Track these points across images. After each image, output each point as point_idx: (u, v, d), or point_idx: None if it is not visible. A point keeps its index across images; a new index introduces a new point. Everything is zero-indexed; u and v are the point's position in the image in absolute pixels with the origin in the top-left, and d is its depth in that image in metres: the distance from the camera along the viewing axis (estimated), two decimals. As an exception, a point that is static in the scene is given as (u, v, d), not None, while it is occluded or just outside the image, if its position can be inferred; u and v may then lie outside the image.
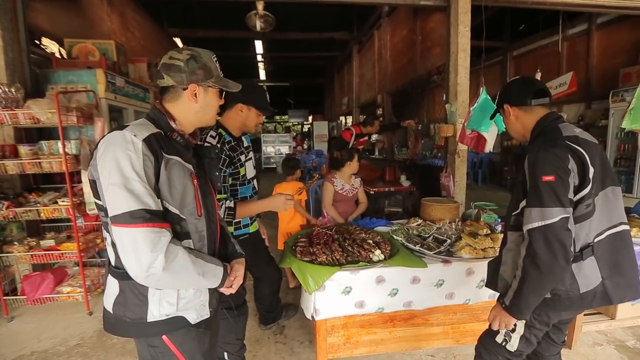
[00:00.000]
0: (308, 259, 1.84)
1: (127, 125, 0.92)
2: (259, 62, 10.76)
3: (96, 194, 0.91)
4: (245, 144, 1.83)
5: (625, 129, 2.73)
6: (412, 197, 4.36)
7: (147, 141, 0.88)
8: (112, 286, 0.96)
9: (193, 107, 1.02)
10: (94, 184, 0.91)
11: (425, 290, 1.83)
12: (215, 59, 1.05)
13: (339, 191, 2.81)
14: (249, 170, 1.84)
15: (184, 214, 0.96)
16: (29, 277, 2.66)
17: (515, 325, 1.24)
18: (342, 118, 11.21)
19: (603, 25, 5.91)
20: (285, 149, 14.18)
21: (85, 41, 3.44)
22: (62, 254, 2.60)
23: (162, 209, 0.90)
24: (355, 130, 4.18)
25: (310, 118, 14.61)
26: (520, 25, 7.51)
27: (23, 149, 2.61)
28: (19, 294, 2.75)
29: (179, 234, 0.95)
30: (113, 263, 0.96)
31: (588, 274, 1.16)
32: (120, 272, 0.92)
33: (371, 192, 4.13)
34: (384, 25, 6.07)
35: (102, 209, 0.89)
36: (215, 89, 1.04)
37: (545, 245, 1.06)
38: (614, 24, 5.69)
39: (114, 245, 0.90)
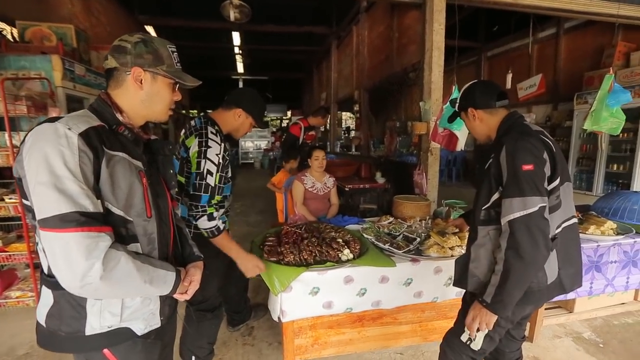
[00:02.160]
0: (275, 258, 1.78)
1: (60, 117, 0.81)
2: (237, 54, 10.47)
3: (23, 193, 0.81)
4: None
5: (586, 130, 2.85)
6: (387, 194, 4.39)
7: (84, 135, 0.78)
8: (46, 296, 0.87)
9: (138, 95, 0.92)
10: (20, 183, 0.81)
11: (394, 289, 1.82)
12: (173, 49, 0.96)
13: (310, 189, 2.76)
14: (230, 169, 1.77)
15: (131, 216, 0.88)
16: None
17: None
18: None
19: (570, 30, 6.16)
20: (264, 144, 14.00)
21: (40, 24, 3.17)
22: (10, 255, 2.40)
23: (102, 210, 0.81)
24: (303, 123, 4.03)
25: (289, 113, 14.45)
26: (495, 26, 7.71)
27: None
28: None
29: (125, 238, 0.87)
30: (45, 271, 0.86)
31: (552, 265, 1.20)
32: (53, 282, 0.82)
33: (346, 188, 4.11)
34: (362, 21, 6.04)
35: (30, 210, 0.80)
36: (166, 79, 0.94)
37: (528, 235, 1.06)
38: (581, 29, 5.94)
39: (45, 251, 0.81)
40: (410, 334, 2.02)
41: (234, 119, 1.67)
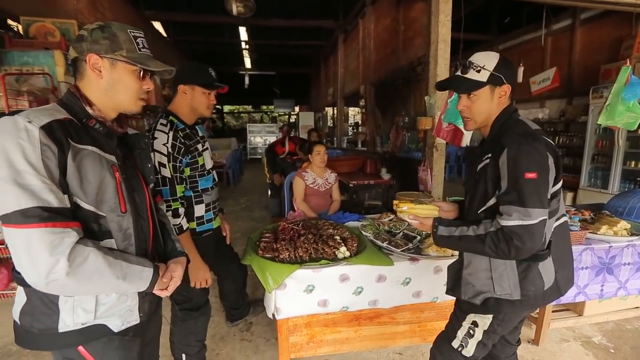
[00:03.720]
0: (270, 255, 1.75)
1: (22, 110, 0.79)
2: (244, 49, 10.43)
3: None
4: (200, 134, 1.71)
5: (601, 125, 2.72)
6: (393, 190, 4.31)
7: (46, 128, 0.76)
8: (20, 293, 0.86)
9: (100, 85, 0.89)
10: None
11: (391, 289, 1.77)
12: (135, 34, 0.91)
13: (311, 185, 2.72)
14: (207, 161, 1.72)
15: (103, 211, 0.86)
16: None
17: (473, 331, 1.19)
18: (327, 109, 11.04)
19: (586, 21, 5.91)
20: (272, 139, 13.99)
21: (44, 20, 3.20)
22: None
23: (69, 205, 0.78)
24: (289, 147, 4.44)
25: (296, 108, 14.40)
26: (506, 18, 7.47)
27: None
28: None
29: (97, 234, 0.85)
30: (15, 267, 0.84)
31: (549, 270, 1.14)
32: (21, 278, 0.80)
33: (350, 184, 4.06)
34: (368, 14, 5.91)
35: None
36: (129, 65, 0.89)
37: (515, 247, 1.00)
38: (597, 20, 5.69)
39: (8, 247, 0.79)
40: (409, 334, 1.97)
41: (183, 98, 1.59)
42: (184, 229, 1.52)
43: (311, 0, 6.92)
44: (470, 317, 1.21)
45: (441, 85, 1.26)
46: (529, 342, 2.20)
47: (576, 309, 2.37)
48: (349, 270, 1.71)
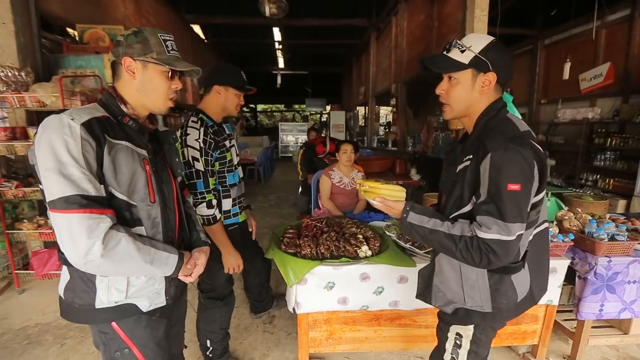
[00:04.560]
0: (292, 251, 1.79)
1: (67, 109, 0.89)
2: (277, 49, 10.67)
3: (38, 179, 0.89)
4: (227, 132, 1.79)
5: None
6: (422, 191, 4.21)
7: (86, 125, 0.85)
8: (64, 272, 0.97)
9: (134, 85, 0.97)
10: (34, 169, 0.89)
11: (413, 291, 1.72)
12: (165, 37, 0.98)
13: (337, 184, 2.73)
14: (234, 157, 1.80)
15: (135, 200, 0.94)
16: (37, 253, 2.79)
17: (460, 341, 1.16)
18: (358, 108, 10.97)
19: (648, 11, 5.35)
20: (303, 137, 14.18)
21: (96, 27, 3.50)
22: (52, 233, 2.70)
23: (104, 194, 0.87)
24: (330, 147, 4.48)
25: (328, 107, 14.45)
26: (553, 10, 6.95)
27: (32, 131, 2.71)
28: (29, 268, 2.90)
29: (129, 221, 0.93)
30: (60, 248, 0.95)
31: (523, 281, 1.07)
32: (64, 258, 0.90)
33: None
34: (401, 11, 5.78)
35: (43, 194, 0.88)
36: (158, 66, 0.96)
37: (488, 258, 0.94)
38: (661, 9, 5.13)
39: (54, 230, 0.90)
40: (431, 338, 1.92)
41: (216, 98, 1.66)
42: (218, 219, 1.60)
43: (344, -1, 6.92)
44: (453, 329, 1.17)
45: (422, 63, 1.10)
46: (564, 358, 2.06)
47: (621, 326, 2.17)
48: (370, 269, 1.71)
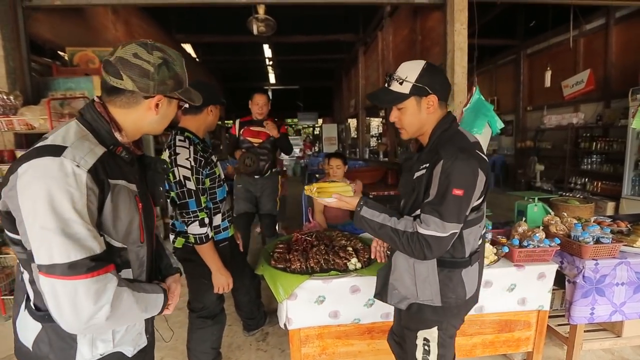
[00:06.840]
0: (282, 266, 1.79)
1: (63, 147, 0.72)
2: (268, 65, 10.84)
3: (10, 227, 0.74)
4: (209, 145, 1.82)
5: (635, 128, 2.54)
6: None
7: (92, 171, 0.72)
8: (30, 323, 0.81)
9: (149, 118, 0.86)
10: (7, 216, 0.73)
11: (404, 301, 1.74)
12: (183, 64, 0.90)
13: (327, 196, 2.74)
14: (221, 170, 1.82)
15: (127, 244, 0.84)
16: (25, 279, 2.74)
17: (428, 347, 1.22)
18: (350, 120, 11.12)
19: (622, 19, 5.58)
20: (296, 151, 14.30)
21: (86, 49, 3.55)
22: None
23: (105, 247, 0.75)
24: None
25: (320, 121, 14.62)
26: (532, 21, 7.21)
27: (20, 154, 2.70)
28: (16, 294, 2.83)
29: (118, 265, 0.83)
30: (32, 301, 0.81)
31: (472, 279, 1.18)
32: (41, 315, 0.79)
33: (370, 195, 4.04)
34: (386, 26, 5.97)
35: (17, 243, 0.75)
36: (178, 100, 0.90)
37: (423, 251, 1.05)
38: (635, 17, 5.36)
39: (32, 283, 0.77)
40: (425, 349, 1.91)
41: (206, 117, 1.70)
42: (209, 237, 1.60)
43: (331, 16, 7.11)
44: (421, 334, 1.23)
45: (369, 98, 1.26)
46: (559, 363, 2.06)
47: (614, 329, 2.18)
48: (359, 281, 1.71)
